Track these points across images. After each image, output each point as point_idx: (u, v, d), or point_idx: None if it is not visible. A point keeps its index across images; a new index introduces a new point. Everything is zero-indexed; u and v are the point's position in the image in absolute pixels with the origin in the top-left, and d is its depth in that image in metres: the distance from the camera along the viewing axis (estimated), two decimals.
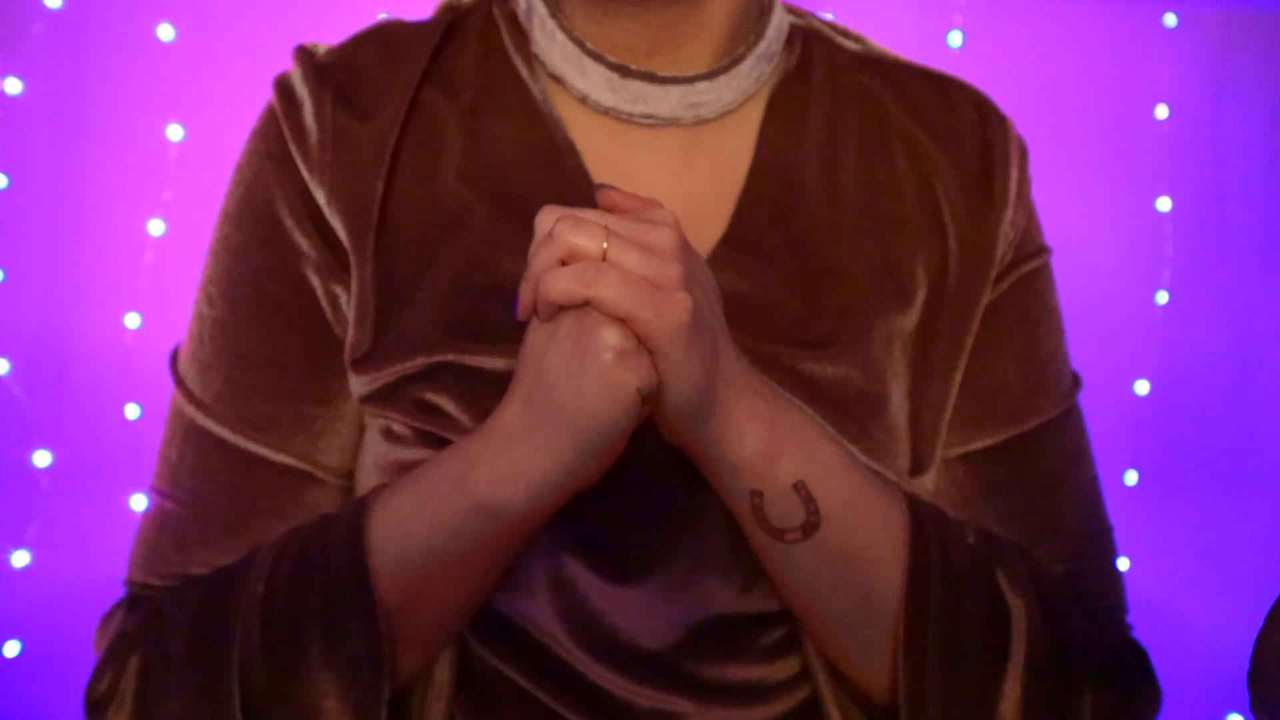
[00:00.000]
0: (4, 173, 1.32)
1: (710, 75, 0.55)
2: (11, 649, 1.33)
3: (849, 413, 0.53)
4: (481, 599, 0.52)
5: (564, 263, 0.43)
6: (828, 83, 0.59)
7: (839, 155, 0.57)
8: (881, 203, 0.57)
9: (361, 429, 0.56)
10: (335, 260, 0.54)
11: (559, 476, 0.45)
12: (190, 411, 0.55)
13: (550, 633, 0.52)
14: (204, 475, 0.55)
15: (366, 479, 0.55)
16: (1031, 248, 0.60)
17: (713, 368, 0.45)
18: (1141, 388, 1.55)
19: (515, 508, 0.45)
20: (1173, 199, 1.54)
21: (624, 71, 0.54)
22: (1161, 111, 1.54)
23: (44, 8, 1.32)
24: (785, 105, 0.58)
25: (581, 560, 0.52)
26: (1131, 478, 1.57)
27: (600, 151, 0.55)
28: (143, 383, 1.34)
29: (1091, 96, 1.50)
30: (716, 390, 0.45)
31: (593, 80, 0.54)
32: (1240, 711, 1.53)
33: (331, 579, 0.48)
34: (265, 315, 0.54)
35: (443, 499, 0.47)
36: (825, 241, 0.55)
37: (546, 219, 0.44)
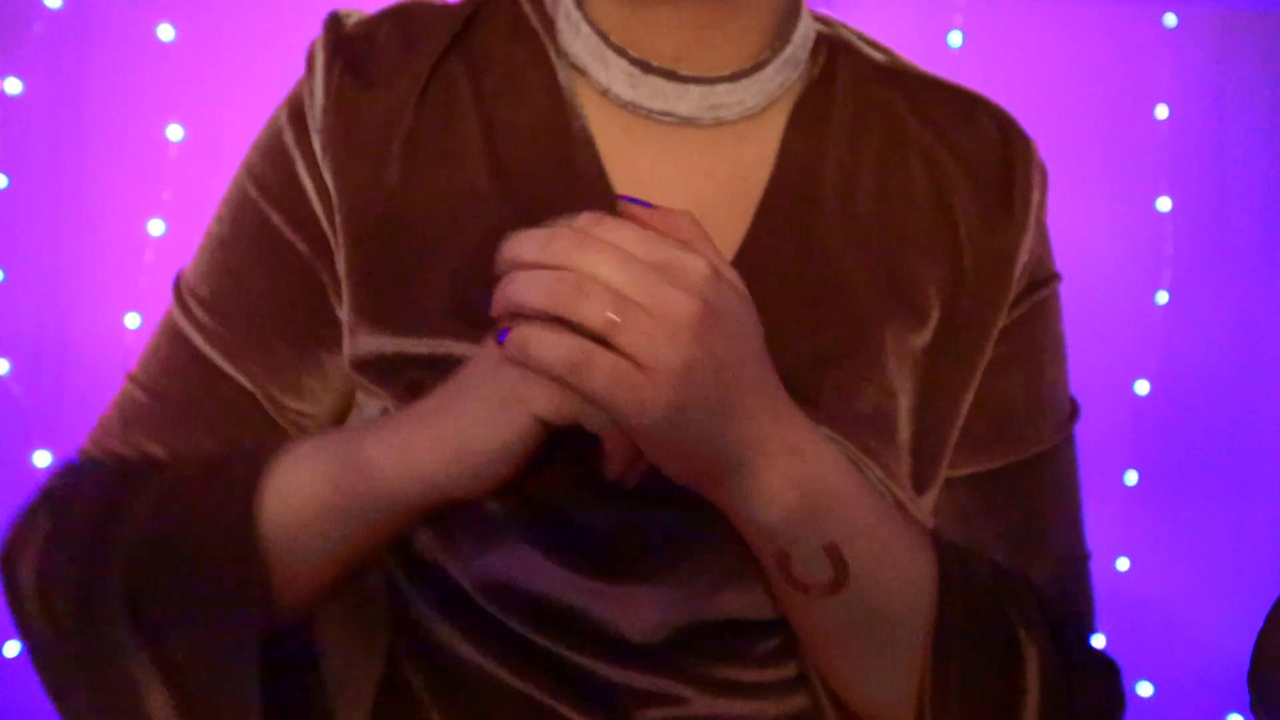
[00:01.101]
0: (4, 173, 1.32)
1: (733, 78, 0.54)
2: (11, 649, 1.32)
3: (860, 428, 0.52)
4: (357, 570, 0.52)
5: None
6: (850, 94, 0.58)
7: (857, 168, 0.57)
8: (897, 219, 0.56)
9: (338, 393, 0.56)
10: (332, 223, 0.54)
11: (443, 482, 0.44)
12: (174, 310, 0.57)
13: (534, 624, 0.52)
14: (167, 369, 0.56)
15: None
16: (1044, 274, 0.60)
17: (722, 437, 0.43)
18: (1141, 388, 1.55)
19: (407, 499, 0.46)
20: (1173, 199, 1.54)
21: (645, 67, 0.53)
22: (1161, 111, 1.54)
23: (44, 8, 1.32)
24: (808, 115, 0.57)
25: (572, 556, 0.51)
26: (1131, 478, 1.57)
27: (617, 146, 0.55)
28: None
29: (1091, 96, 1.50)
30: (742, 456, 0.43)
31: (614, 74, 0.54)
32: (1240, 711, 1.52)
33: (215, 532, 0.48)
34: (262, 245, 0.55)
35: (342, 478, 0.47)
36: (840, 255, 0.55)
37: (559, 239, 0.42)
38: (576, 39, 0.55)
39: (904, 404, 0.54)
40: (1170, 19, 1.53)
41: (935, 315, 0.55)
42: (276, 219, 0.55)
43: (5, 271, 1.30)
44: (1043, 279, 0.59)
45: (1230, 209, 1.57)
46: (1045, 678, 0.51)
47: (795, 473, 0.45)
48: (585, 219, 0.42)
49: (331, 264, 0.54)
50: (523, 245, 0.42)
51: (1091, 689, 0.54)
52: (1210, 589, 1.51)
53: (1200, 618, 1.53)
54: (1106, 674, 0.56)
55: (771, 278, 0.53)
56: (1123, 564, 1.54)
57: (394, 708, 0.54)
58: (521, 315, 0.41)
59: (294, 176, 0.55)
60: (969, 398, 0.56)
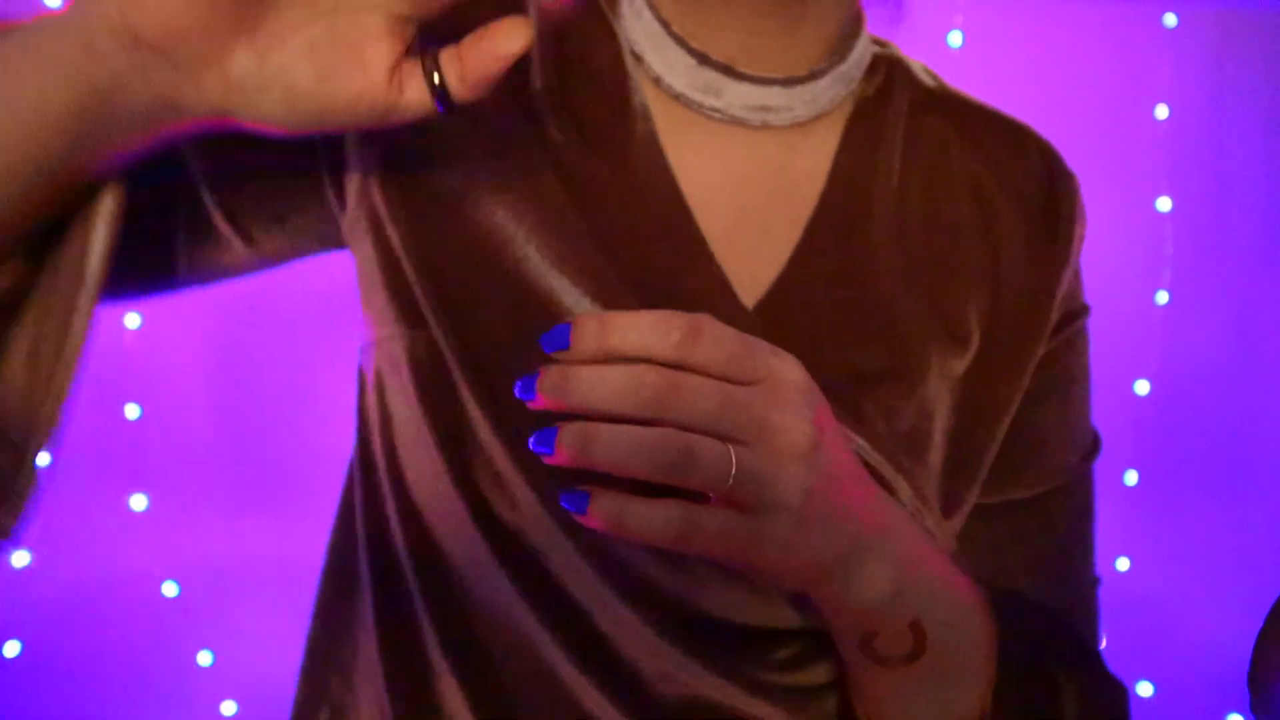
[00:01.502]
0: None
1: (786, 83, 0.54)
2: (11, 649, 1.33)
3: (896, 446, 0.52)
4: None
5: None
6: (902, 117, 0.58)
7: (906, 192, 0.57)
8: (943, 245, 0.56)
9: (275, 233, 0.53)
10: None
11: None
12: None
13: (579, 582, 0.51)
14: None
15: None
16: (1078, 306, 0.60)
17: (830, 548, 0.41)
18: (1141, 388, 1.55)
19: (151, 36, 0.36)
20: (1173, 199, 1.54)
21: (703, 59, 0.53)
22: (1161, 111, 1.54)
23: (44, 8, 1.32)
24: (862, 134, 0.57)
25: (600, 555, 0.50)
26: (1131, 478, 1.57)
27: (666, 136, 0.54)
28: (143, 383, 1.34)
29: (1091, 96, 1.50)
30: (846, 557, 0.42)
31: (670, 63, 0.53)
32: (1240, 711, 1.52)
33: None
34: None
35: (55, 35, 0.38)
36: (887, 276, 0.55)
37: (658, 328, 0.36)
38: (637, 24, 0.54)
39: (939, 426, 0.54)
40: (1170, 19, 1.53)
41: (975, 342, 0.55)
42: None
43: None
44: (1077, 311, 0.60)
45: (1230, 209, 1.57)
46: (1080, 714, 0.53)
47: (889, 556, 0.44)
48: (683, 326, 0.36)
49: (338, 169, 0.52)
50: (613, 334, 0.36)
51: (1106, 709, 0.55)
52: (1210, 589, 1.51)
53: (1200, 618, 1.53)
54: (1123, 700, 0.57)
55: (819, 293, 0.53)
56: (1123, 564, 1.54)
57: (407, 667, 0.53)
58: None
59: None
60: (1004, 426, 0.56)
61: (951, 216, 0.57)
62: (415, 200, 0.51)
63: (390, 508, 0.54)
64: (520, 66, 0.53)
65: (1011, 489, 0.58)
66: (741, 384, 0.38)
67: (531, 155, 0.52)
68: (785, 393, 0.38)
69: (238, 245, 0.53)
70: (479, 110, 0.49)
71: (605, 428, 0.36)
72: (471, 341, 0.50)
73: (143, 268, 0.52)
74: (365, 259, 0.53)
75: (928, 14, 1.47)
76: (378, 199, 0.51)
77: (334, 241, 0.55)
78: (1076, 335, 0.60)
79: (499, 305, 0.50)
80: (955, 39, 1.46)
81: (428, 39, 0.40)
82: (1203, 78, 1.54)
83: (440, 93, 0.40)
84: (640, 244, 0.51)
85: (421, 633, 0.53)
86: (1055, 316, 0.58)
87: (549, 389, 0.36)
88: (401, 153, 0.52)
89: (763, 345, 0.39)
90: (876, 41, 0.61)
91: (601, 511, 0.36)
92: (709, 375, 0.37)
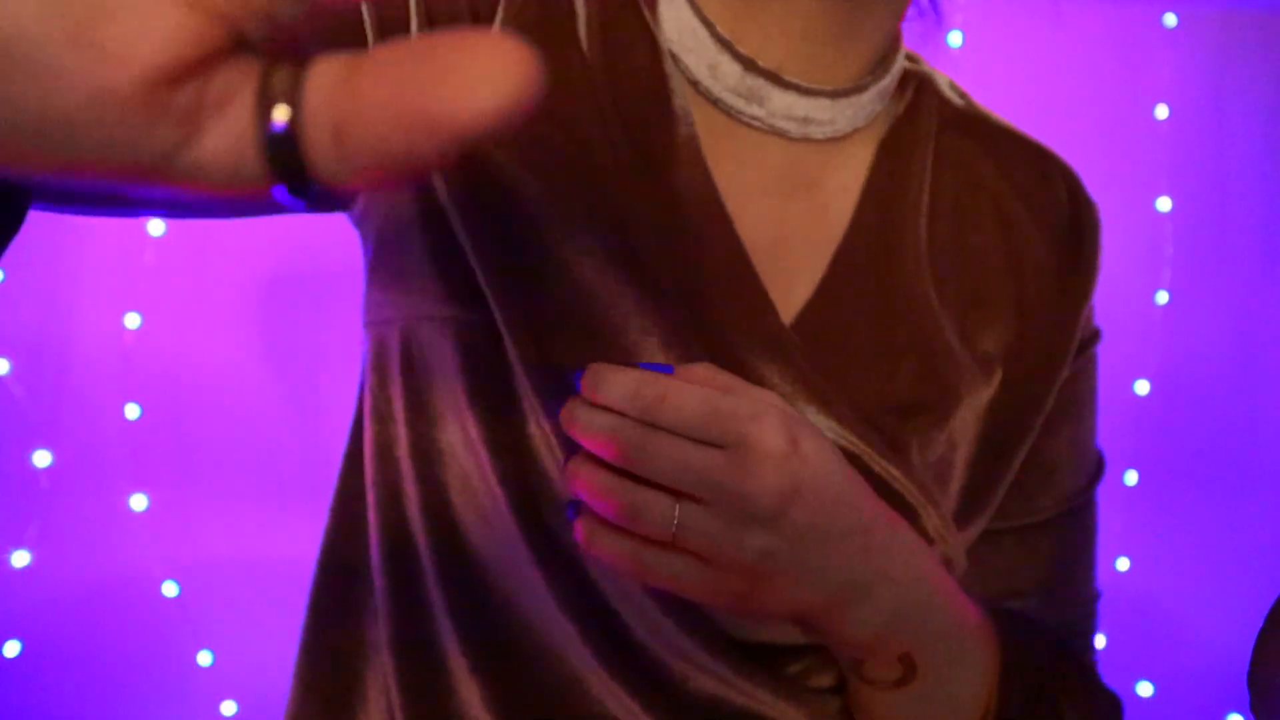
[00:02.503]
0: None
1: (833, 95, 0.52)
2: (11, 649, 1.32)
3: (927, 476, 0.52)
4: None
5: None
6: (931, 138, 0.57)
7: (935, 217, 0.56)
8: (970, 271, 0.56)
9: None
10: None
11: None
12: None
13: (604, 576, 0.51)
14: None
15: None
16: (1091, 330, 0.61)
17: (810, 598, 0.43)
18: (1141, 388, 1.55)
19: None
20: (1173, 199, 1.54)
21: (749, 64, 0.51)
22: (1161, 111, 1.54)
23: None
24: (892, 155, 0.56)
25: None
26: (1131, 478, 1.56)
27: (703, 141, 0.52)
28: (143, 383, 1.34)
29: (1091, 96, 1.50)
30: (831, 603, 0.44)
31: (712, 65, 0.51)
32: (1240, 711, 1.52)
33: None
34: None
35: None
36: (919, 302, 0.54)
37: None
38: (677, 23, 0.52)
39: (961, 455, 0.54)
40: (1170, 19, 1.53)
41: (999, 371, 0.55)
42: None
43: (5, 271, 1.30)
44: (1091, 335, 0.60)
45: (1230, 209, 1.57)
46: None
47: (884, 601, 0.45)
48: (653, 391, 0.41)
49: None
50: (602, 387, 0.41)
51: None
52: (1210, 589, 1.51)
53: (1200, 618, 1.53)
54: (1117, 711, 0.58)
55: (852, 315, 0.53)
56: (1123, 564, 1.54)
57: (422, 664, 0.52)
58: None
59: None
60: (1024, 453, 0.56)
61: (978, 243, 0.56)
62: (481, 176, 0.49)
63: (411, 500, 0.52)
64: (570, 50, 0.51)
65: (1024, 514, 0.58)
66: (709, 448, 0.41)
67: (590, 143, 0.50)
68: (753, 459, 0.40)
69: None
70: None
71: (584, 466, 0.42)
72: (535, 333, 0.48)
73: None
74: (399, 231, 0.51)
75: (928, 14, 1.47)
76: (435, 178, 0.50)
77: (333, 201, 0.53)
78: (1089, 361, 0.60)
79: (558, 299, 0.49)
80: (955, 39, 1.46)
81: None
82: (1203, 78, 1.54)
83: (286, 159, 0.20)
84: (683, 254, 0.50)
85: (439, 630, 0.52)
86: (1075, 342, 0.58)
87: (564, 418, 0.42)
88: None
89: (743, 411, 0.41)
90: (908, 56, 0.60)
91: (581, 527, 0.42)
92: (678, 437, 0.41)
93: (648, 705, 0.50)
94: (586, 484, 0.42)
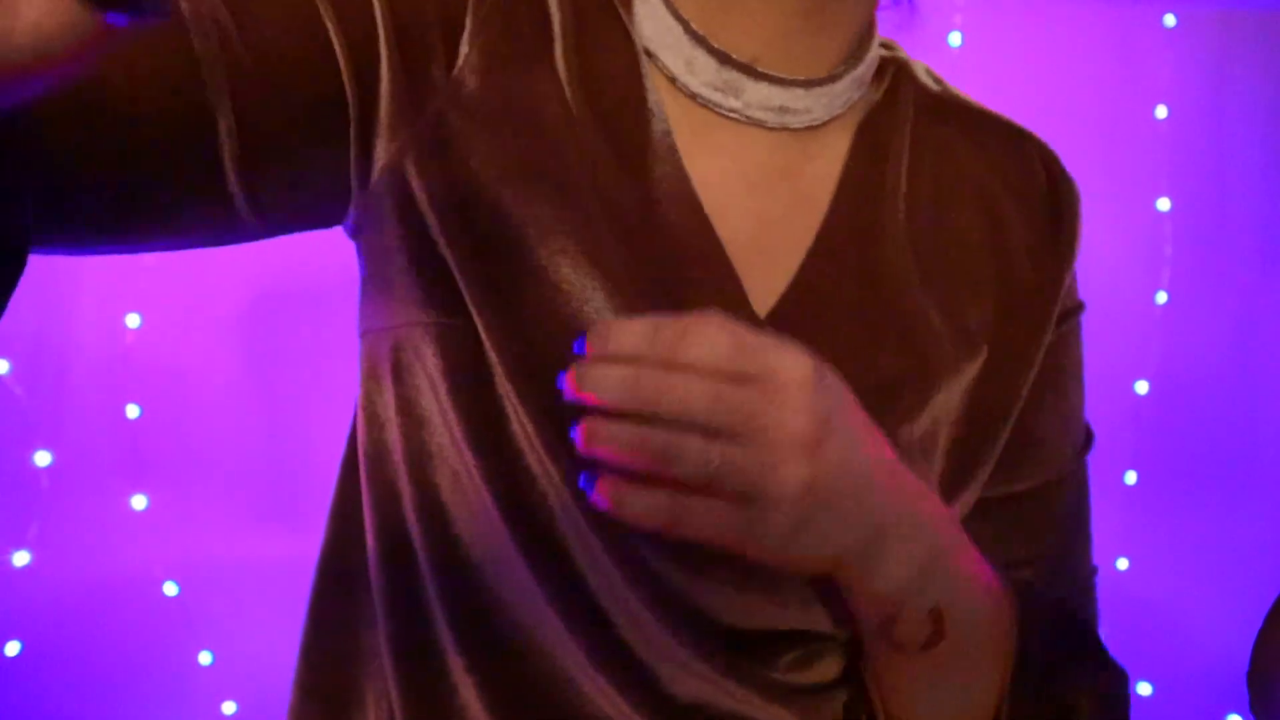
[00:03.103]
0: None
1: (807, 84, 0.53)
2: (12, 649, 1.33)
3: (912, 454, 0.53)
4: None
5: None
6: (908, 123, 0.58)
7: (914, 200, 0.57)
8: (950, 252, 0.56)
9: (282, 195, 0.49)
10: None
11: None
12: None
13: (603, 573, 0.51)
14: None
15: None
16: (1073, 303, 0.61)
17: (842, 540, 0.43)
18: (1141, 388, 1.55)
19: None
20: (1172, 199, 1.54)
21: (724, 58, 0.52)
22: (1161, 111, 1.54)
23: None
24: (870, 142, 0.57)
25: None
26: (1131, 478, 1.56)
27: (680, 136, 0.53)
28: (143, 383, 1.34)
29: (1091, 96, 1.50)
30: (864, 548, 0.43)
31: (687, 61, 0.52)
32: (1240, 712, 1.52)
33: None
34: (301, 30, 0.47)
35: None
36: (900, 283, 0.55)
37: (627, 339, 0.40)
38: (652, 21, 0.53)
39: (946, 431, 0.55)
40: (1170, 19, 1.53)
41: (985, 348, 0.56)
42: (327, 13, 0.48)
43: None
44: (1072, 308, 0.60)
45: (1229, 209, 1.57)
46: (1093, 698, 0.53)
47: (913, 547, 0.45)
48: (672, 331, 0.40)
49: (367, 144, 0.50)
50: (614, 339, 0.40)
51: (1115, 698, 0.56)
52: (1209, 589, 1.51)
53: (1200, 618, 1.53)
54: (1125, 687, 0.57)
55: (832, 300, 0.53)
56: (1122, 564, 1.54)
57: (422, 664, 0.53)
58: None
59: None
60: (1010, 425, 0.57)
61: (959, 223, 0.57)
62: (458, 187, 0.50)
63: (407, 502, 0.53)
64: (543, 55, 0.51)
65: (1011, 482, 0.58)
66: (739, 382, 0.39)
67: (564, 148, 0.50)
68: (784, 390, 0.40)
69: (239, 203, 0.48)
70: (513, 92, 0.49)
71: (603, 424, 0.40)
72: (512, 334, 0.49)
73: (124, 206, 0.47)
74: (386, 240, 0.51)
75: (928, 14, 1.47)
76: (414, 182, 0.50)
77: (328, 220, 0.53)
78: (1071, 331, 0.61)
79: (535, 300, 0.49)
80: (955, 39, 1.46)
81: None
82: (1203, 78, 1.54)
83: None
84: (658, 249, 0.51)
85: (437, 630, 0.52)
86: (1056, 315, 0.58)
87: (569, 386, 0.40)
88: (443, 138, 0.50)
89: (767, 343, 0.40)
90: (883, 44, 0.60)
91: (604, 492, 0.40)
92: (704, 374, 0.39)
93: (636, 705, 0.50)
94: (608, 440, 0.40)
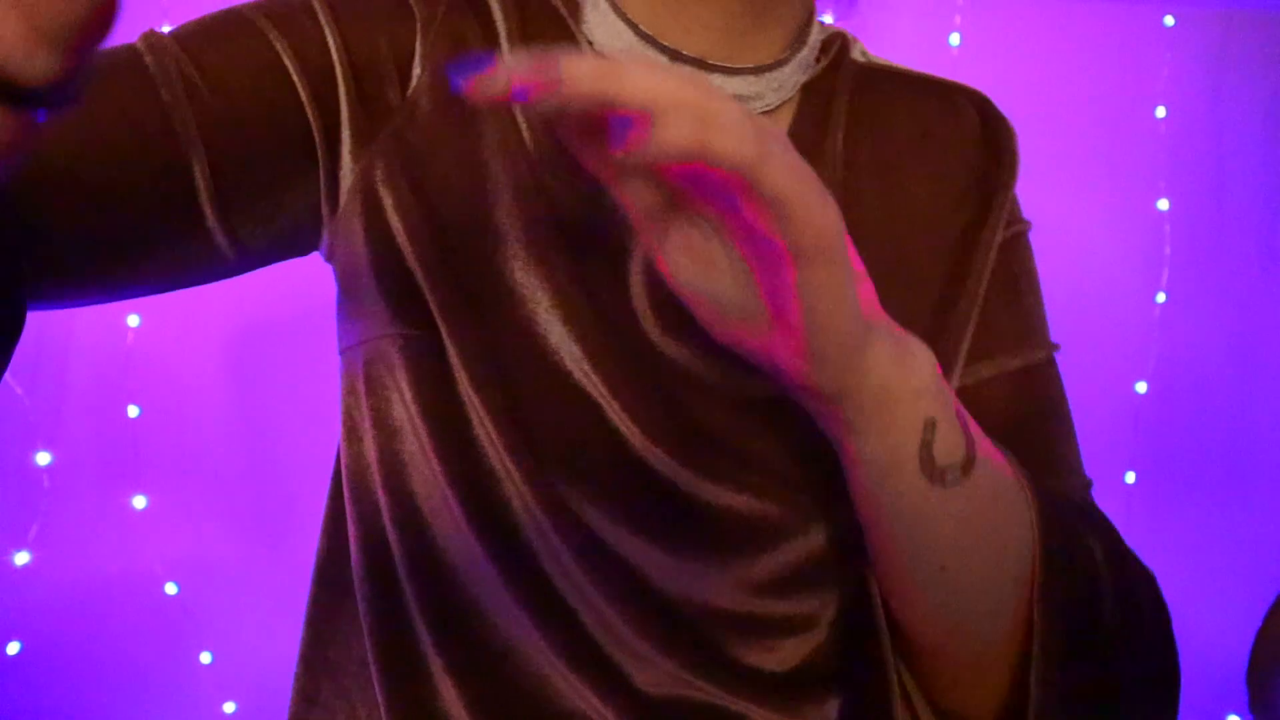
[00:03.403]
0: None
1: (755, 70, 0.55)
2: (12, 649, 1.33)
3: None
4: None
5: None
6: (845, 95, 0.60)
7: (854, 166, 0.58)
8: (894, 212, 0.58)
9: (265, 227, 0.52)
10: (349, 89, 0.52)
11: None
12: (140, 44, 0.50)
13: (582, 569, 0.51)
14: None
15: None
16: (1017, 216, 0.63)
17: (855, 299, 0.41)
18: (1141, 388, 1.56)
19: None
20: (1171, 199, 1.54)
21: (675, 55, 0.54)
22: (1161, 111, 1.54)
23: None
24: (810, 116, 0.59)
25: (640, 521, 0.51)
26: (1130, 478, 1.57)
27: None
28: (143, 383, 1.34)
29: (1091, 96, 1.50)
30: (870, 337, 0.43)
31: (638, 60, 0.53)
32: (1239, 712, 1.53)
33: None
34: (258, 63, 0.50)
35: None
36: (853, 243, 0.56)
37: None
38: (602, 25, 0.55)
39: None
40: (1170, 19, 1.53)
41: (938, 288, 0.57)
42: (285, 52, 0.51)
43: None
44: (1016, 218, 0.62)
45: (1228, 209, 1.57)
46: (1113, 580, 0.52)
47: (920, 357, 0.45)
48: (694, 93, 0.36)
49: (334, 167, 0.52)
50: (617, 80, 0.36)
51: (1142, 588, 0.56)
52: (1209, 589, 1.51)
53: (1199, 618, 1.53)
54: (1151, 579, 0.57)
55: None
56: None
57: (402, 667, 0.53)
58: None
59: (318, 28, 0.52)
60: (966, 345, 0.57)
61: (900, 181, 0.59)
62: (419, 201, 0.51)
63: (383, 509, 0.54)
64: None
65: (982, 370, 0.58)
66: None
67: (518, 159, 0.52)
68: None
69: (220, 242, 0.51)
70: (464, 106, 0.51)
71: (630, 66, 0.35)
72: (473, 339, 0.50)
73: (109, 258, 0.50)
74: (356, 259, 0.53)
75: (928, 14, 1.47)
76: (384, 194, 0.52)
77: (304, 248, 0.56)
78: (1017, 240, 0.62)
79: (492, 303, 0.51)
80: (955, 39, 1.46)
81: None
82: (1202, 78, 1.55)
83: None
84: (602, 246, 0.52)
85: (417, 634, 0.53)
86: (1001, 221, 0.59)
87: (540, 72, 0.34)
88: (404, 155, 0.52)
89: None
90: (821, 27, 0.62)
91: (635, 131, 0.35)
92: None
93: (609, 702, 0.51)
94: (631, 88, 0.35)
